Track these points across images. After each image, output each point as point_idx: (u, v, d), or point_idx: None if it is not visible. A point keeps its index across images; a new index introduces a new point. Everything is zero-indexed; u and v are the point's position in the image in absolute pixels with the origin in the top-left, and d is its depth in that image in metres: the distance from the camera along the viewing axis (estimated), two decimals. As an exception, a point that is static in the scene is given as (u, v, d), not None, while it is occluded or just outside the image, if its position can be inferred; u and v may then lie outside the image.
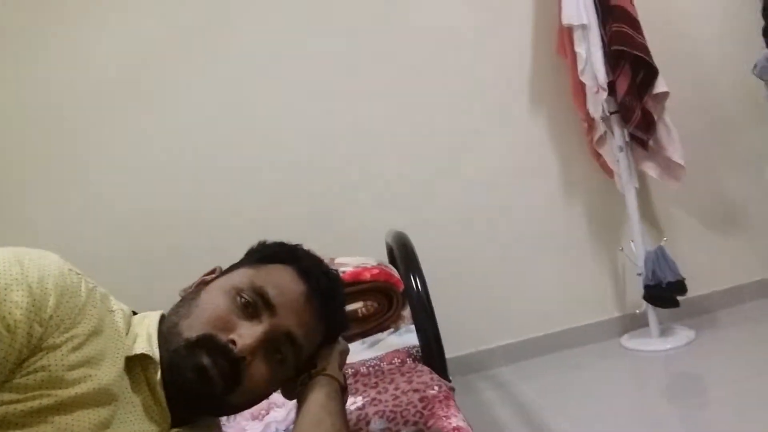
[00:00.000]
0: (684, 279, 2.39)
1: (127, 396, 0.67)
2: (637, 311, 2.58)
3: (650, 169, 2.50)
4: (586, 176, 2.64)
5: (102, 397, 0.62)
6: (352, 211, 2.46)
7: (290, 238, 2.62)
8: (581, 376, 2.38)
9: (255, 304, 0.74)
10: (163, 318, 0.78)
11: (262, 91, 2.42)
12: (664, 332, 2.52)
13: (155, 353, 0.70)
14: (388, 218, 2.27)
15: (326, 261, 2.16)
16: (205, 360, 0.68)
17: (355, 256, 1.91)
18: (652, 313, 2.50)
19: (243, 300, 0.74)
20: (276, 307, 0.74)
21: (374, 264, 1.74)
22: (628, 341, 2.58)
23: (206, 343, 0.70)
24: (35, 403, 0.57)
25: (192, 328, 0.72)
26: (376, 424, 0.94)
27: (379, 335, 1.58)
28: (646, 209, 2.62)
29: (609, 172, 2.57)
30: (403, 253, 1.50)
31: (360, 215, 2.45)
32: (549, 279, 2.63)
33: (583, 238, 2.67)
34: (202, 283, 0.82)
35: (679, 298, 2.40)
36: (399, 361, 1.31)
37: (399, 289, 1.63)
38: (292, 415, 1.05)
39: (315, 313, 0.79)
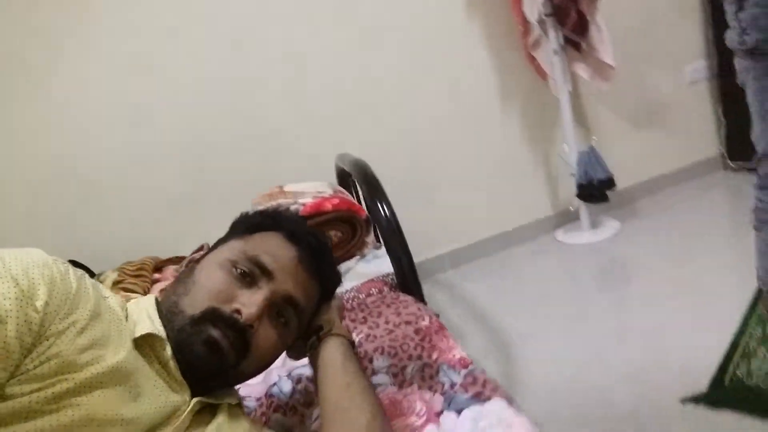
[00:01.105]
0: (613, 176, 2.56)
1: (144, 371, 0.67)
2: (571, 209, 2.75)
3: (582, 71, 2.57)
4: (521, 81, 2.67)
5: (118, 377, 0.62)
6: (299, 136, 2.39)
7: (239, 163, 2.51)
8: (522, 272, 2.56)
9: (252, 273, 0.75)
10: (157, 302, 0.77)
11: (211, 15, 2.22)
12: (594, 225, 2.73)
13: (161, 331, 0.70)
14: (332, 141, 2.24)
15: (275, 190, 2.12)
16: (214, 332, 0.69)
17: (304, 182, 1.89)
18: (584, 208, 2.69)
19: (239, 271, 0.75)
20: (272, 272, 0.76)
21: (331, 193, 1.73)
22: (563, 236, 2.78)
23: (211, 316, 0.70)
24: (55, 389, 0.57)
25: (194, 304, 0.72)
26: (380, 361, 0.99)
27: (348, 263, 1.60)
28: (576, 110, 2.72)
29: (543, 75, 2.62)
30: (366, 181, 1.49)
31: (306, 140, 2.39)
32: (489, 184, 2.72)
33: (519, 142, 2.75)
34: (192, 261, 0.82)
35: (608, 193, 2.58)
36: (377, 290, 1.35)
37: (362, 217, 1.64)
38: (289, 362, 1.07)
39: (309, 273, 0.81)
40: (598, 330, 1.94)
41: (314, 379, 0.80)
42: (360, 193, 1.76)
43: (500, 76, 2.65)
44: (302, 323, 0.80)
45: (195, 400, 0.69)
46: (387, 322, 1.14)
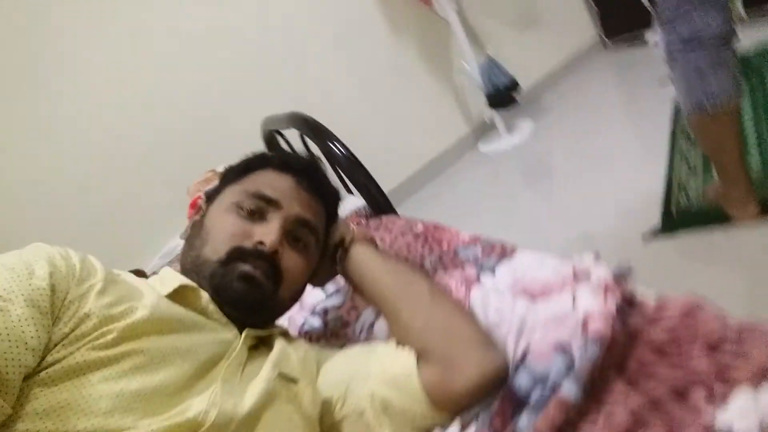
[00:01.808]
0: (515, 78, 2.70)
1: (188, 316, 0.67)
2: (486, 120, 2.88)
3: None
4: (408, 14, 2.72)
5: (160, 322, 0.62)
6: (225, 117, 2.32)
7: (173, 151, 2.39)
8: (457, 191, 2.67)
9: (259, 208, 0.76)
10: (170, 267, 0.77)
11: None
12: (510, 129, 2.88)
13: (190, 282, 0.71)
14: (256, 114, 2.20)
15: (209, 174, 2.07)
16: (246, 267, 0.71)
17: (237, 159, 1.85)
18: (497, 116, 2.82)
19: (247, 209, 0.76)
20: (278, 201, 0.77)
21: None
22: (485, 147, 2.91)
23: (238, 254, 0.72)
24: (103, 339, 0.57)
25: (216, 250, 0.73)
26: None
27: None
28: (465, 27, 2.81)
29: (427, 1, 2.68)
30: (311, 127, 1.50)
31: (233, 119, 2.33)
32: (403, 120, 2.78)
33: (421, 71, 2.82)
34: (196, 219, 0.82)
35: (515, 96, 2.73)
36: (356, 223, 1.37)
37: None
38: (308, 302, 1.08)
39: (310, 193, 0.82)
40: (539, 215, 2.09)
41: (355, 288, 0.82)
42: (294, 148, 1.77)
43: (387, 14, 2.68)
44: (319, 242, 0.82)
45: (245, 331, 0.70)
46: (382, 240, 1.17)
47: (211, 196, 0.84)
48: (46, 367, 0.54)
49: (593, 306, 0.60)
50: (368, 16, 2.66)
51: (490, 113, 2.82)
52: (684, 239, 1.51)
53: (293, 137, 1.76)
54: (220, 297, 0.71)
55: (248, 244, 0.72)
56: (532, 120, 2.89)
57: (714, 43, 1.19)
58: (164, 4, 2.22)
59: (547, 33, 3.11)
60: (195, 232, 0.79)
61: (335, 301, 1.05)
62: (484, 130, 2.98)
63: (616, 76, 3.06)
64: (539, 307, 0.72)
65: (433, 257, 0.99)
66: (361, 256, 0.81)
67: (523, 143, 2.78)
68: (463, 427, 0.61)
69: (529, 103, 3.00)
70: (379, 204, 1.39)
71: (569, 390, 0.54)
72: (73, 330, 0.57)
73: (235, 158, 1.89)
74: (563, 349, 0.62)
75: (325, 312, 1.03)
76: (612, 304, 0.59)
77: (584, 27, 3.25)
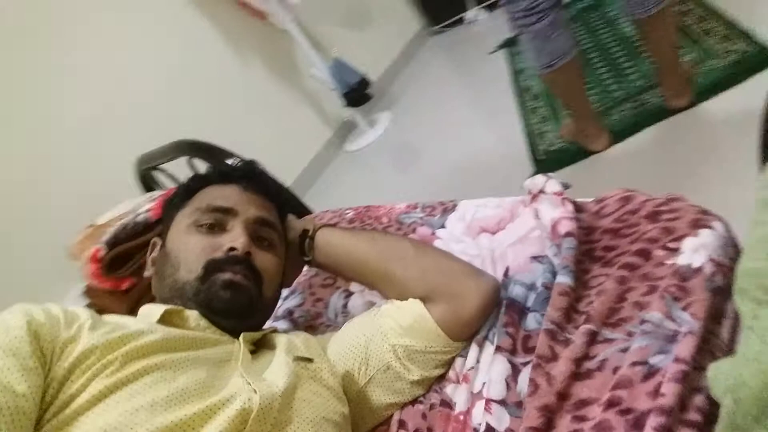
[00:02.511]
0: (365, 75, 2.85)
1: (187, 334, 0.68)
2: (347, 120, 3.00)
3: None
4: (247, 32, 2.75)
5: (169, 344, 0.64)
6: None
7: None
8: (334, 195, 2.72)
9: (217, 220, 0.77)
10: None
11: None
12: (371, 124, 3.03)
13: (175, 306, 0.72)
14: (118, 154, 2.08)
15: (89, 230, 1.95)
16: (226, 275, 0.72)
17: (115, 207, 1.76)
18: (356, 114, 2.96)
19: (206, 224, 0.77)
20: (233, 208, 0.78)
21: (148, 198, 1.65)
22: (351, 146, 3.03)
23: (214, 265, 0.73)
24: (112, 367, 0.58)
25: (191, 270, 0.73)
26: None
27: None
28: (306, 34, 2.90)
29: (260, 16, 2.72)
30: (205, 150, 1.49)
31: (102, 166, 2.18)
32: (268, 136, 2.78)
33: (274, 86, 2.86)
34: (155, 254, 0.83)
35: (369, 92, 2.88)
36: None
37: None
38: (288, 302, 1.09)
39: (258, 194, 0.84)
40: (419, 195, 2.23)
41: (333, 271, 0.87)
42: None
43: (226, 35, 2.68)
44: (281, 238, 0.84)
45: (242, 336, 0.71)
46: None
47: (163, 230, 0.84)
48: (67, 404, 0.55)
49: (556, 213, 0.72)
50: (207, 40, 2.64)
51: (349, 113, 2.94)
52: (558, 176, 1.74)
53: (176, 168, 1.71)
54: (210, 310, 0.71)
55: (220, 254, 0.73)
56: (389, 111, 3.07)
57: (549, 10, 1.42)
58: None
59: (379, 28, 3.32)
60: (161, 265, 0.78)
61: (294, 301, 1.08)
62: (346, 131, 3.09)
63: (448, 55, 3.36)
64: (499, 237, 0.83)
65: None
66: (332, 238, 0.83)
67: (386, 134, 2.94)
68: (480, 347, 0.70)
69: (381, 96, 3.17)
70: (300, 211, 1.43)
71: (564, 280, 0.66)
72: (77, 365, 0.57)
73: (107, 207, 1.76)
74: (538, 259, 0.73)
75: (290, 313, 1.05)
76: (570, 207, 0.72)
77: (409, 18, 3.52)
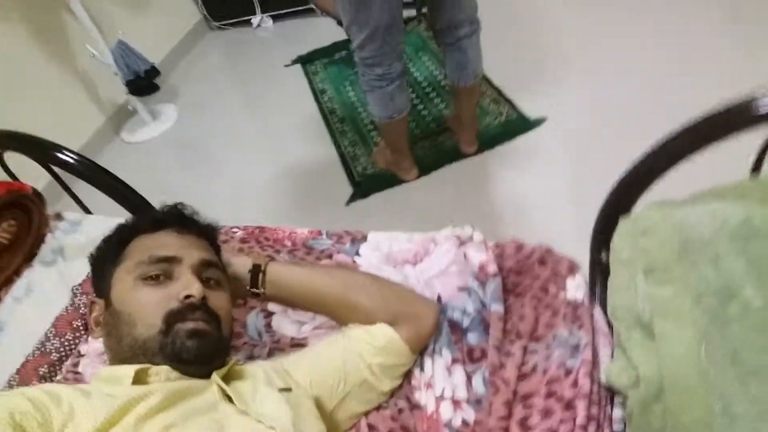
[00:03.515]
0: (154, 64, 2.69)
1: (176, 388, 0.72)
2: (130, 108, 2.77)
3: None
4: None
5: (164, 402, 0.68)
6: None
7: None
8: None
9: (164, 270, 0.79)
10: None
11: None
12: (154, 115, 2.86)
13: (143, 365, 0.74)
14: None
15: None
16: (189, 324, 0.75)
17: None
18: (139, 103, 2.76)
19: (152, 276, 0.78)
20: (176, 256, 0.80)
21: None
22: (129, 136, 2.81)
23: (174, 317, 0.75)
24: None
25: (150, 325, 0.75)
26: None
27: (51, 244, 1.41)
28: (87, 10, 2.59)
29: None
30: (25, 142, 1.35)
31: None
32: (32, 118, 2.40)
33: (40, 61, 2.48)
34: (98, 314, 0.82)
35: (156, 81, 2.72)
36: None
37: (28, 191, 1.43)
38: None
39: (192, 234, 0.87)
40: (220, 193, 2.28)
41: (286, 303, 0.95)
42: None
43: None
44: (225, 274, 0.88)
45: (213, 376, 0.76)
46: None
47: (100, 289, 0.83)
48: None
49: (483, 257, 0.97)
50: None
51: (132, 101, 2.73)
52: (373, 198, 2.03)
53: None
54: (179, 361, 0.74)
55: (176, 304, 0.75)
56: (172, 104, 2.94)
57: (398, 77, 1.71)
58: None
59: (161, 15, 3.14)
60: (113, 326, 0.78)
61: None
62: (123, 118, 2.85)
63: (233, 55, 3.34)
64: (421, 268, 1.04)
65: (286, 255, 1.16)
66: (285, 273, 0.90)
67: (175, 128, 2.82)
68: (432, 359, 0.91)
69: (166, 87, 3.01)
70: (135, 204, 1.37)
71: (498, 308, 0.92)
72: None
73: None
74: (464, 290, 0.97)
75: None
76: (491, 254, 0.98)
77: (190, 10, 3.40)
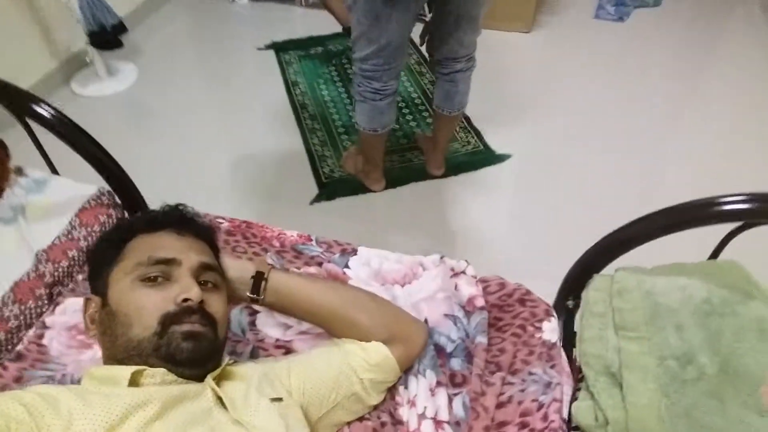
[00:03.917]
0: (122, 19, 2.57)
1: (173, 391, 0.74)
2: (88, 60, 2.62)
3: None
4: None
5: (162, 410, 0.70)
6: None
7: None
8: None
9: (162, 271, 0.79)
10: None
11: None
12: (111, 71, 2.72)
13: (139, 367, 0.74)
14: None
15: None
16: (185, 327, 0.75)
17: None
18: (98, 56, 2.62)
19: (151, 278, 0.78)
20: (173, 258, 0.80)
21: None
22: (80, 88, 2.66)
23: (170, 319, 0.75)
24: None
25: (146, 326, 0.75)
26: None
27: (11, 201, 1.33)
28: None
29: None
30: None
31: None
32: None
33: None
34: (93, 312, 0.82)
35: (121, 38, 2.60)
36: (107, 217, 1.29)
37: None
38: None
39: (191, 236, 0.88)
40: (179, 170, 2.24)
41: (286, 312, 0.95)
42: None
43: None
44: (223, 277, 0.89)
45: (207, 379, 0.78)
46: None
47: (96, 287, 0.83)
48: None
49: (473, 290, 1.05)
50: None
51: (90, 51, 2.58)
52: (337, 202, 2.06)
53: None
54: (174, 363, 0.74)
55: (173, 306, 0.75)
56: (134, 64, 2.81)
57: (392, 94, 1.76)
58: None
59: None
60: (109, 325, 0.78)
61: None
62: (75, 68, 2.69)
63: (205, 26, 3.20)
64: (409, 290, 1.11)
65: (273, 256, 1.18)
66: (287, 283, 0.91)
67: (132, 89, 2.70)
68: (416, 378, 0.97)
69: (129, 44, 2.87)
70: (113, 173, 1.33)
71: (483, 340, 1.00)
72: None
73: None
74: (449, 317, 1.05)
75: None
76: (480, 288, 1.06)
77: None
